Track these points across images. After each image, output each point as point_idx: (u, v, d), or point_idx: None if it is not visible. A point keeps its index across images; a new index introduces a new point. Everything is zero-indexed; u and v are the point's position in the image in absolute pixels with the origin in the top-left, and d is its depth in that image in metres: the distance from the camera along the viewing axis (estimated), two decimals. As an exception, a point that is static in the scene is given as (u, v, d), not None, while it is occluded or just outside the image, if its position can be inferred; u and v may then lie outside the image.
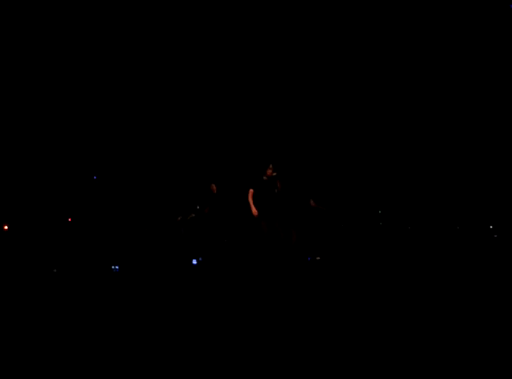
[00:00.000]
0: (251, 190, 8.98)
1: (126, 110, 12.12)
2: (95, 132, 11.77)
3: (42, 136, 11.31)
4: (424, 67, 12.53)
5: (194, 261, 10.48)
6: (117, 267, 8.75)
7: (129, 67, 12.04)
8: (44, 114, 11.48)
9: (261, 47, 12.10)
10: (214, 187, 10.91)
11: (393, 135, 12.75)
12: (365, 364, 2.86)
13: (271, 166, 8.98)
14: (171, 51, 12.06)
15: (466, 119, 12.46)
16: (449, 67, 12.45)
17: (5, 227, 10.19)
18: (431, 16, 11.95)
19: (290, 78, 12.37)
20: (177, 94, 12.34)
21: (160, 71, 12.16)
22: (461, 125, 12.51)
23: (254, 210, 8.97)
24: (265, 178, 9.03)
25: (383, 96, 12.74)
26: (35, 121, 11.34)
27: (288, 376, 2.73)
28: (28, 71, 11.32)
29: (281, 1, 11.87)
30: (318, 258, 9.66)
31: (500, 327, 3.61)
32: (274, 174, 8.98)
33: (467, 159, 12.59)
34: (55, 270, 9.52)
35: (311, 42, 12.15)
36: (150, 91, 12.24)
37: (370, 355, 3.02)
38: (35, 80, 11.36)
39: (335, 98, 12.58)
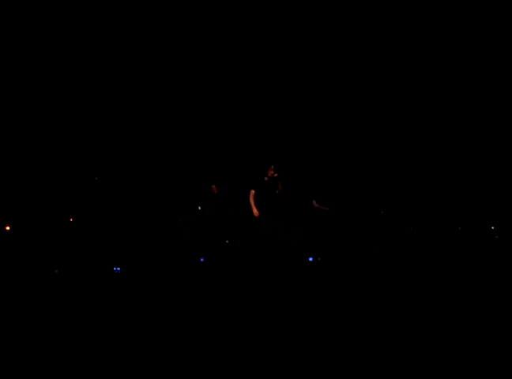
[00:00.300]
0: (252, 191, 8.99)
1: (127, 112, 12.12)
2: (96, 133, 11.77)
3: (43, 137, 11.31)
4: (424, 67, 12.52)
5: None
6: (118, 268, 8.75)
7: (130, 68, 12.03)
8: (45, 114, 11.48)
9: (263, 48, 12.09)
10: (215, 188, 10.91)
11: (395, 136, 12.74)
12: (366, 364, 2.86)
13: (272, 167, 8.98)
14: (171, 52, 12.05)
15: (468, 120, 12.44)
16: (449, 67, 12.43)
17: (7, 228, 10.20)
18: (431, 16, 11.93)
19: (291, 79, 12.36)
20: (178, 95, 12.34)
21: (161, 72, 12.15)
22: (463, 126, 12.50)
23: (255, 211, 8.99)
24: (266, 178, 9.03)
25: (384, 97, 12.72)
26: (36, 123, 11.34)
27: (288, 376, 2.73)
28: (28, 72, 11.32)
29: (281, 1, 11.86)
30: (319, 259, 9.67)
31: (501, 327, 3.61)
32: (275, 175, 8.98)
33: (468, 160, 12.58)
34: (57, 271, 9.52)
35: (312, 43, 12.13)
36: (152, 93, 12.24)
37: (371, 356, 3.02)
38: (37, 80, 11.36)
39: (336, 98, 12.57)
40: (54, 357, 3.22)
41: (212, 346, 3.38)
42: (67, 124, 11.56)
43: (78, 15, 11.33)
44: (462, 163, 12.60)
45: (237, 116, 12.36)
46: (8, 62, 11.10)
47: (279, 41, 12.06)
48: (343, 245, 10.77)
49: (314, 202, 9.89)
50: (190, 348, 3.36)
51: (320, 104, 12.52)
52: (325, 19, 11.98)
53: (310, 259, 9.52)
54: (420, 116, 12.61)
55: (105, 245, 10.32)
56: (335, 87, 12.49)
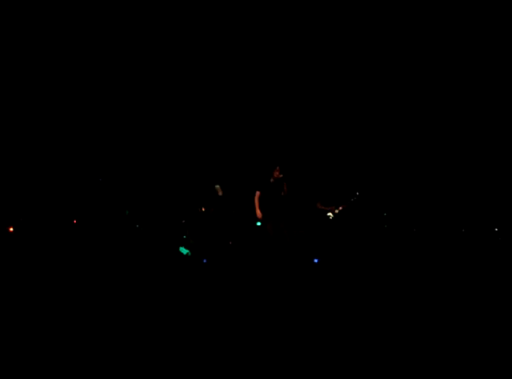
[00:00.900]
0: (258, 192, 8.98)
1: (131, 112, 12.11)
2: (100, 134, 11.75)
3: (47, 138, 11.29)
4: (427, 69, 12.51)
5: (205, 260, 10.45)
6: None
7: (133, 69, 12.02)
8: (48, 115, 11.46)
9: (267, 50, 12.08)
10: (219, 189, 10.89)
11: (398, 138, 12.74)
12: (367, 365, 2.84)
13: (278, 168, 8.97)
14: (176, 54, 12.03)
15: (472, 122, 12.45)
16: (449, 68, 12.43)
17: (11, 229, 10.17)
18: (432, 16, 11.92)
19: (297, 81, 12.36)
20: (182, 96, 12.32)
21: (166, 73, 12.13)
22: (467, 127, 12.49)
23: (259, 212, 8.99)
24: (272, 180, 9.01)
25: (387, 99, 12.72)
26: (40, 124, 11.32)
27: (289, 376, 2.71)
28: (31, 73, 11.30)
29: (283, 2, 11.84)
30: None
31: (504, 328, 3.59)
32: (281, 176, 8.96)
33: (472, 161, 12.57)
34: (59, 271, 9.47)
35: (317, 45, 12.13)
36: (155, 93, 12.22)
37: (373, 357, 3.00)
38: (40, 82, 11.34)
39: (340, 101, 12.56)
40: (54, 357, 3.19)
41: (215, 346, 3.36)
42: (71, 125, 11.55)
43: (78, 15, 11.30)
44: (465, 164, 12.59)
45: (242, 117, 12.34)
46: (8, 63, 11.07)
47: (285, 44, 12.05)
48: (346, 247, 10.74)
49: (319, 204, 9.87)
50: (193, 348, 3.34)
51: (325, 106, 12.51)
52: (326, 19, 11.97)
53: (316, 260, 9.49)
54: (424, 118, 12.61)
55: (109, 245, 10.29)
56: (339, 89, 12.48)
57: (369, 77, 12.50)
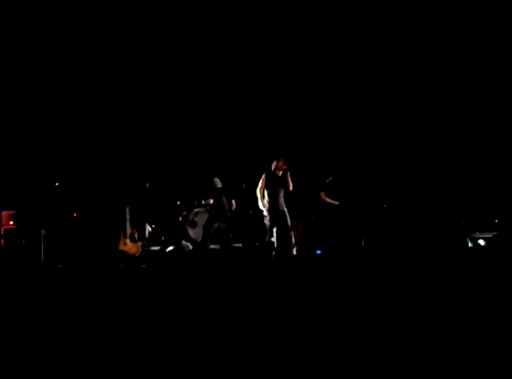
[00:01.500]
0: (263, 184, 9.01)
1: (129, 104, 12.07)
2: (99, 127, 11.71)
3: (47, 133, 11.24)
4: (425, 65, 12.57)
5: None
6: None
7: (130, 64, 11.97)
8: (46, 109, 11.41)
9: (268, 43, 12.06)
10: (217, 181, 10.85)
11: (399, 130, 12.80)
12: (366, 363, 2.80)
13: (282, 159, 9.01)
14: (176, 50, 11.98)
15: (472, 114, 12.52)
16: (449, 66, 12.50)
17: (11, 222, 10.09)
18: (432, 16, 11.95)
19: (297, 73, 12.36)
20: (182, 89, 12.29)
21: (166, 67, 12.09)
22: (466, 120, 12.57)
23: (263, 202, 9.05)
24: (278, 172, 9.04)
25: (387, 92, 12.76)
26: (39, 119, 11.27)
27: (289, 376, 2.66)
28: (31, 70, 11.24)
29: (284, 2, 11.82)
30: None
31: (503, 324, 3.57)
32: (285, 167, 9.00)
33: (472, 154, 12.66)
34: (60, 265, 9.43)
35: (316, 38, 12.12)
36: (154, 83, 12.18)
37: (372, 354, 2.96)
38: (42, 81, 11.30)
39: (341, 93, 12.60)
40: (54, 354, 3.13)
41: (215, 340, 3.31)
42: (71, 120, 11.51)
43: (78, 15, 11.22)
44: (465, 156, 12.67)
45: (246, 109, 12.32)
46: (8, 62, 10.99)
47: (285, 38, 12.01)
48: (346, 238, 10.76)
49: (323, 194, 9.89)
50: (193, 342, 3.29)
51: (325, 99, 12.54)
52: (327, 18, 11.97)
53: (318, 252, 9.52)
54: (423, 110, 12.66)
55: (108, 239, 10.23)
56: (339, 82, 12.51)
57: (369, 73, 12.54)
